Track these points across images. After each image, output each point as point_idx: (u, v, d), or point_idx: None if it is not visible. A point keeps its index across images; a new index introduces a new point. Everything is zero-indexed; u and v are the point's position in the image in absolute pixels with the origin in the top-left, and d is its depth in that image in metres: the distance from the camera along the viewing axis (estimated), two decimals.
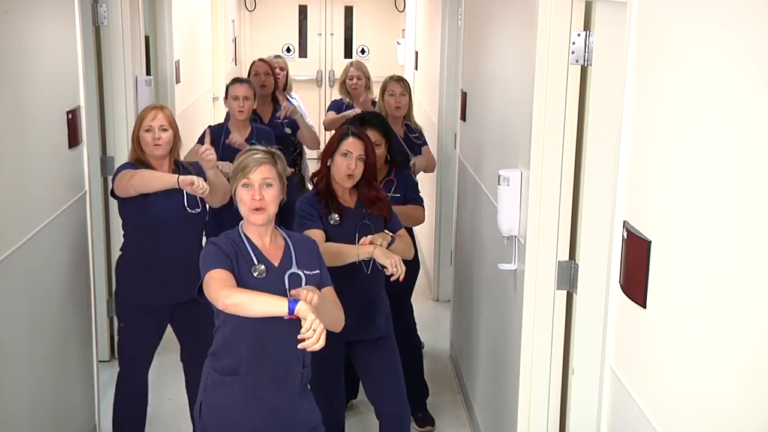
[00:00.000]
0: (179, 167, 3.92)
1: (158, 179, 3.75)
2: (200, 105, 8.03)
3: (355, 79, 6.10)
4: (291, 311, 2.71)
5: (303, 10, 11.35)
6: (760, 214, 1.66)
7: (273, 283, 2.93)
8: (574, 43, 3.16)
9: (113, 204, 5.18)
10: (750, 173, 1.70)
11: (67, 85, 3.94)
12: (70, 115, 3.89)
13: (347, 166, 3.59)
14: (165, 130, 3.83)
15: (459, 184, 5.24)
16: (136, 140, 3.85)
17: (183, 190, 3.75)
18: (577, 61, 3.18)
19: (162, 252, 3.85)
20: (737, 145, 1.75)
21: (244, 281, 2.90)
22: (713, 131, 1.86)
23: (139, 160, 3.85)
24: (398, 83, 5.23)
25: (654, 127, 2.19)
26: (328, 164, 3.64)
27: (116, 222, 5.19)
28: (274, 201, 2.97)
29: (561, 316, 3.38)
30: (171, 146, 3.87)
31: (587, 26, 3.17)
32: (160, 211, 3.80)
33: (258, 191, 2.93)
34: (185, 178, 3.69)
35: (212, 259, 2.90)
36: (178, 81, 6.57)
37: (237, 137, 4.91)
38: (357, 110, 5.96)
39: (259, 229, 3.00)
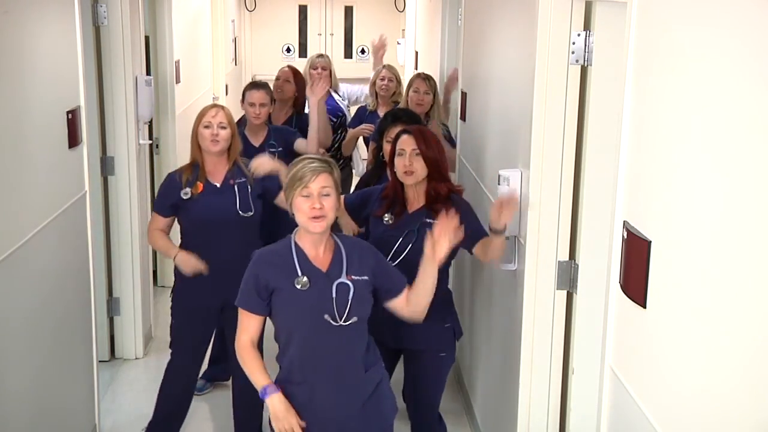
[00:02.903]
0: (236, 167, 4.01)
1: (162, 248, 4.08)
2: (200, 105, 7.96)
3: (386, 80, 5.99)
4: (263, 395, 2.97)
5: (303, 10, 11.35)
6: (760, 214, 1.66)
7: (319, 291, 2.96)
8: (574, 43, 3.16)
9: (113, 204, 5.21)
10: (750, 173, 1.70)
11: (67, 85, 3.94)
12: (70, 115, 3.89)
13: (403, 164, 3.57)
14: (223, 127, 3.94)
15: (459, 184, 5.23)
16: (195, 137, 3.97)
17: (236, 192, 3.95)
18: (577, 61, 3.18)
19: (210, 252, 3.93)
20: (737, 144, 1.75)
21: (287, 294, 2.95)
22: (713, 131, 1.86)
23: (194, 163, 3.98)
24: (424, 81, 5.26)
25: (654, 127, 2.19)
26: (395, 170, 3.63)
27: (116, 222, 5.22)
28: (333, 209, 2.96)
29: (561, 316, 3.38)
30: (228, 144, 3.96)
31: (587, 26, 3.17)
32: (209, 212, 3.92)
33: (318, 200, 2.92)
34: (182, 258, 3.94)
35: (246, 296, 3.01)
36: (178, 81, 6.57)
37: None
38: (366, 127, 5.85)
39: (314, 239, 2.99)
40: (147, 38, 5.96)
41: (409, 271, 3.21)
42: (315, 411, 2.97)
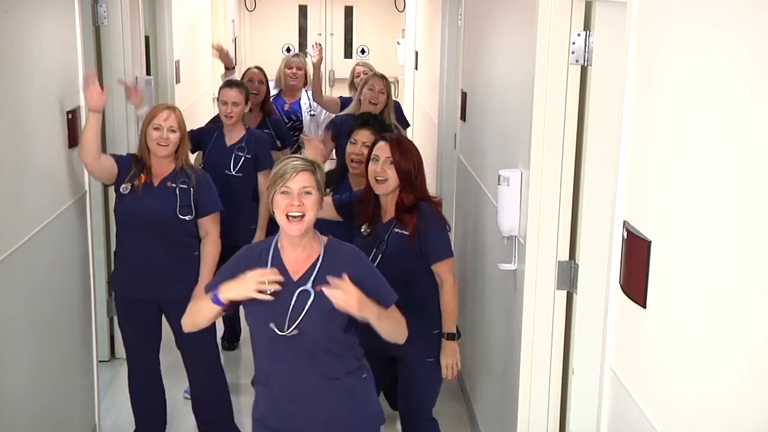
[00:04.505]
0: (182, 170, 3.97)
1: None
2: (200, 105, 8.03)
3: (361, 75, 6.06)
4: (215, 301, 2.81)
5: (303, 10, 11.35)
6: (760, 214, 1.66)
7: (282, 298, 2.80)
8: (574, 43, 3.16)
9: (113, 204, 5.20)
10: (750, 173, 1.70)
11: (67, 85, 3.93)
12: (70, 115, 3.89)
13: (374, 171, 3.52)
14: (173, 131, 3.90)
15: (459, 184, 5.24)
16: (143, 135, 3.93)
17: (176, 194, 3.90)
18: (577, 61, 3.18)
19: (140, 250, 3.95)
20: (737, 144, 1.75)
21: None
22: (713, 131, 1.86)
23: (138, 158, 3.95)
24: (380, 80, 5.26)
25: (654, 127, 2.19)
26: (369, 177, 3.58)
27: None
28: (313, 209, 2.82)
29: (561, 316, 3.38)
30: (176, 148, 3.92)
31: (587, 26, 3.17)
32: (137, 210, 3.90)
33: (297, 197, 2.80)
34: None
35: (214, 285, 2.89)
36: (178, 81, 6.57)
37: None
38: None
39: (292, 241, 2.85)
40: (147, 38, 5.96)
41: None
42: (278, 416, 2.91)
